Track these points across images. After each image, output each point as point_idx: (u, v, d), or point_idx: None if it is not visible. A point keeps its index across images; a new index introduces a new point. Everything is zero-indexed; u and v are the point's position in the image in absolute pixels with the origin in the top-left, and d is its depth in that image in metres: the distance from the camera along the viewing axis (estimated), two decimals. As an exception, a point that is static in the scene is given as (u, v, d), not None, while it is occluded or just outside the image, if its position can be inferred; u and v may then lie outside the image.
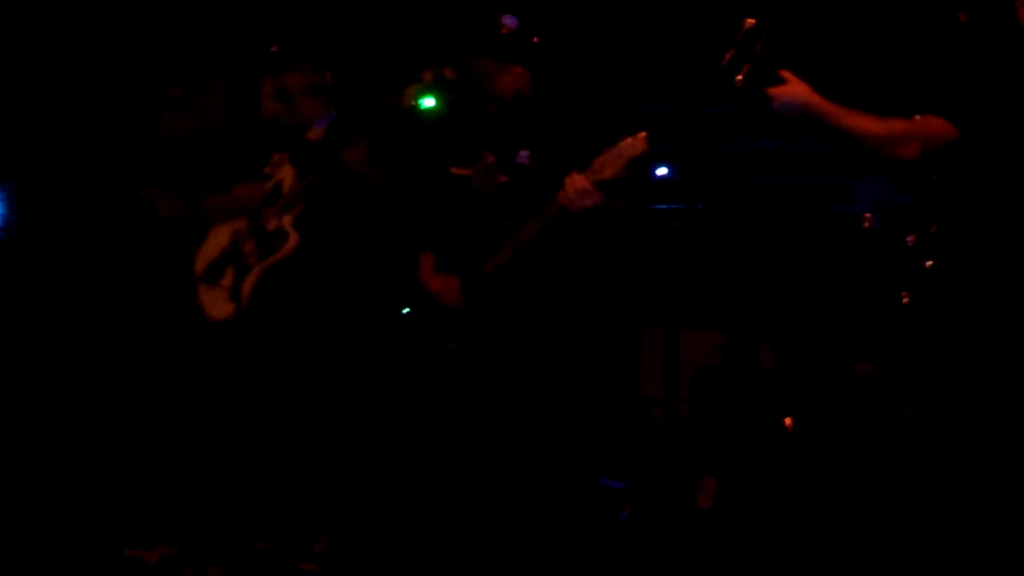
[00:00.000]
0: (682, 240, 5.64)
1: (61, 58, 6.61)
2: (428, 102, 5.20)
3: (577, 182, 4.60)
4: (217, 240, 5.33)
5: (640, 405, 5.97)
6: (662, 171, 6.21)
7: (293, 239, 5.10)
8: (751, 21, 4.24)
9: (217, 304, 5.20)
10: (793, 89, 4.21)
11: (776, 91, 4.22)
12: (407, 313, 5.06)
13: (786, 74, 4.22)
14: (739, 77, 4.20)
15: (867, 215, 5.32)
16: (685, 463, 5.25)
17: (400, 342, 5.04)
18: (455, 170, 4.99)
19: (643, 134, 4.58)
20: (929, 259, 4.30)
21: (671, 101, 6.67)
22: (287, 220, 5.11)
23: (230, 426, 5.16)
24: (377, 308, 5.19)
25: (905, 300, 4.71)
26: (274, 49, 5.44)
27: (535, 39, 4.94)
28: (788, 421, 5.17)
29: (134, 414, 6.02)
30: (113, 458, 5.77)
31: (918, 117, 4.17)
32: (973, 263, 4.15)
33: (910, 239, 4.71)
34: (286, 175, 5.19)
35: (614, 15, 6.67)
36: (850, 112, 4.18)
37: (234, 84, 6.91)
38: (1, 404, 6.02)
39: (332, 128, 5.22)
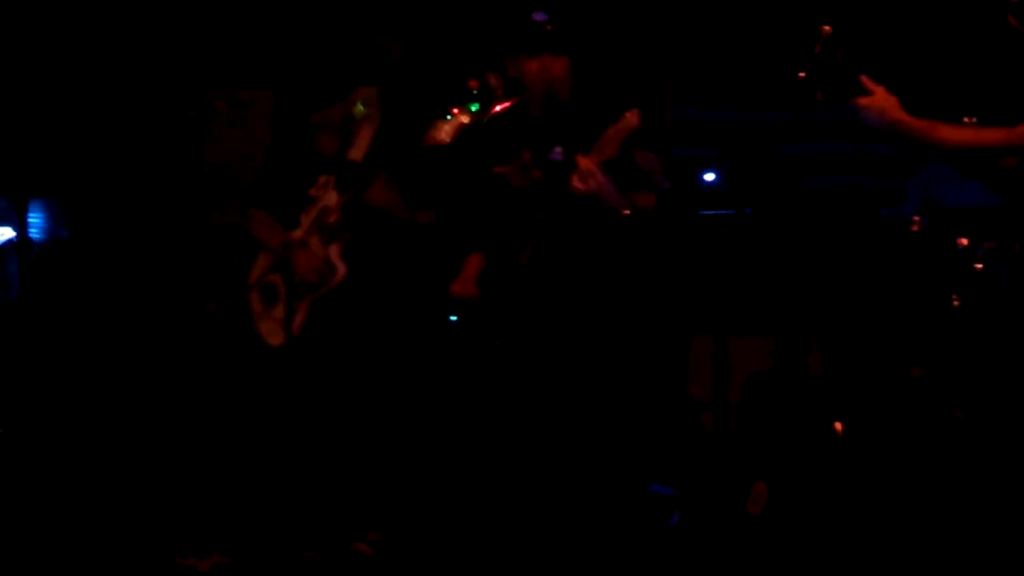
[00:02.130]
0: (731, 246, 5.65)
1: (108, 70, 6.66)
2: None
3: (582, 164, 4.71)
4: (264, 259, 5.30)
5: (690, 411, 5.95)
6: (710, 177, 6.20)
7: (341, 271, 5.05)
8: (828, 28, 3.96)
9: (274, 333, 5.16)
10: (881, 102, 3.98)
11: (864, 102, 4.00)
12: (455, 321, 5.07)
13: (869, 83, 4.00)
14: (819, 96, 3.94)
15: (916, 218, 5.28)
16: (735, 469, 5.23)
17: (446, 347, 5.05)
18: (495, 169, 5.02)
19: (636, 111, 4.71)
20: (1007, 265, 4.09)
21: (717, 106, 6.66)
22: (334, 251, 5.06)
23: (283, 438, 5.17)
24: (422, 316, 5.18)
25: (956, 303, 4.66)
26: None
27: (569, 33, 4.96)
28: (838, 426, 5.14)
29: (189, 424, 6.05)
30: (167, 467, 5.80)
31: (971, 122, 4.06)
32: None
33: (961, 241, 4.65)
34: (330, 200, 5.12)
35: (660, 16, 6.66)
36: (940, 125, 3.98)
37: (281, 96, 6.94)
38: (58, 412, 6.07)
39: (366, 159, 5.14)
